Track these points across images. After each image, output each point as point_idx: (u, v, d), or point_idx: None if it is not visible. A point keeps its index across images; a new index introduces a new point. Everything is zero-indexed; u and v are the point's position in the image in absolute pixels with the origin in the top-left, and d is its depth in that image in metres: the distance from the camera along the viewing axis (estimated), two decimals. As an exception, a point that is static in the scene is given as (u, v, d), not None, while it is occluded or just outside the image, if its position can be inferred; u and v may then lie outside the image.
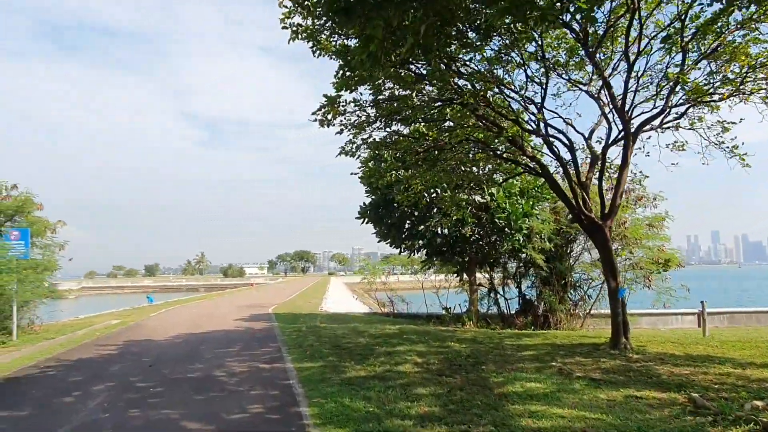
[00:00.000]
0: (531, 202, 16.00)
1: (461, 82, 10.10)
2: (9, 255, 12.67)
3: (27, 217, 14.89)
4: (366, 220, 17.46)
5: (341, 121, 9.92)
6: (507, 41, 9.89)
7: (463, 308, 18.88)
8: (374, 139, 10.71)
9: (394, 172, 15.59)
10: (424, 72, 9.72)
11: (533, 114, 10.59)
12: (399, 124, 11.24)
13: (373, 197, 17.01)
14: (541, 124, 10.65)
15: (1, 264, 12.12)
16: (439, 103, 10.72)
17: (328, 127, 10.00)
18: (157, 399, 6.99)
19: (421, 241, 16.73)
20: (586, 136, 11.41)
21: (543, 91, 10.13)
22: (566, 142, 10.63)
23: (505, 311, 18.21)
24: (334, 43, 9.23)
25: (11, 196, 15.00)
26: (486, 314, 18.07)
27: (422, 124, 11.77)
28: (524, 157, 10.98)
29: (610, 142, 10.40)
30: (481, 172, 14.20)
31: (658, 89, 9.91)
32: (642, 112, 10.15)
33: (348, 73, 9.05)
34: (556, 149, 10.55)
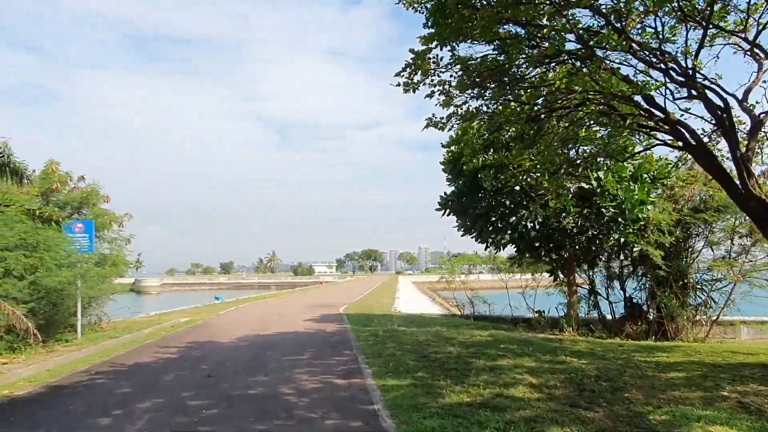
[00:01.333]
0: (646, 188, 13.43)
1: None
2: (69, 248, 11.87)
3: (93, 209, 14.26)
4: (447, 211, 15.53)
5: (432, 81, 8.08)
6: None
7: (556, 311, 16.56)
8: (469, 107, 8.76)
9: (482, 155, 13.65)
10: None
11: (674, 69, 8.25)
12: (494, 91, 9.24)
13: (456, 185, 15.04)
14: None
15: (62, 258, 11.31)
16: (536, 68, 8.71)
17: (414, 91, 8.23)
18: (209, 427, 5.47)
19: (509, 235, 14.59)
20: (740, 97, 8.89)
21: (702, 32, 7.78)
22: (720, 104, 8.19)
23: (609, 316, 15.72)
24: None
25: (78, 188, 14.45)
26: (587, 319, 15.66)
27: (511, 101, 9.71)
28: (662, 124, 8.62)
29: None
30: (588, 149, 11.88)
31: None
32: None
33: (441, 21, 7.25)
34: (714, 107, 8.11)
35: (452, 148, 14.84)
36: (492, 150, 13.36)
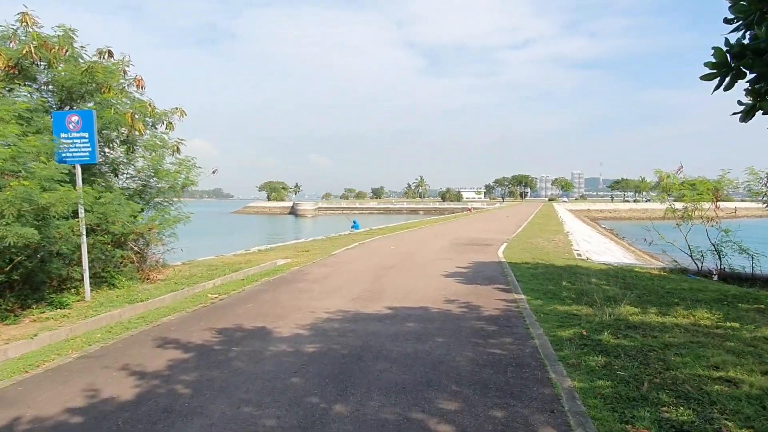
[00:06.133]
0: None
1: None
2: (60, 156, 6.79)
3: (107, 94, 9.00)
4: (731, 75, 7.43)
5: None
6: None
7: None
8: None
9: None
10: None
11: None
12: None
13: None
14: None
15: (45, 172, 6.26)
16: None
17: None
18: None
19: None
20: None
21: None
22: None
23: None
24: None
25: (98, 64, 9.24)
26: None
27: None
28: None
29: None
30: None
31: None
32: None
33: None
34: None
35: None
36: None
